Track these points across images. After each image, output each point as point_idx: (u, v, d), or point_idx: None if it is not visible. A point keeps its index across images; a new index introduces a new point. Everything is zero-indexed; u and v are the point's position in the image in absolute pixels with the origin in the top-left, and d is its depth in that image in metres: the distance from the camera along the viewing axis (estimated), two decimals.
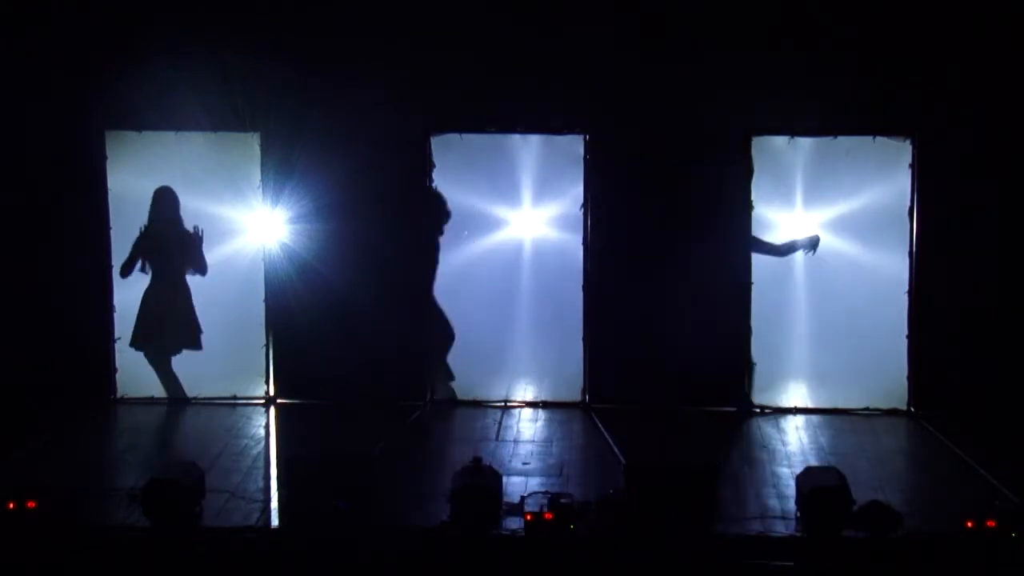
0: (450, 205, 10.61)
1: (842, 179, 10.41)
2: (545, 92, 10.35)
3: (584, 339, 10.65)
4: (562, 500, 7.43)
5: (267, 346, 10.76)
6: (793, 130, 10.41)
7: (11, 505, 7.31)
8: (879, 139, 10.36)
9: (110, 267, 10.68)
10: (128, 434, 10.07)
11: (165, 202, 10.64)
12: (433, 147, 10.58)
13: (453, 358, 10.76)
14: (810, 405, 10.60)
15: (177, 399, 10.71)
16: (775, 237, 10.51)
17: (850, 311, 10.49)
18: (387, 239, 10.55)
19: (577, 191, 10.59)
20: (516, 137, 10.61)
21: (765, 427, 10.14)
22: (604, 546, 7.30)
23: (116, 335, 10.75)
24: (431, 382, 10.67)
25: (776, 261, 10.51)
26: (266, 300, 10.72)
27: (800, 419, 10.37)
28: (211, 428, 9.96)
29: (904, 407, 10.47)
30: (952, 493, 8.27)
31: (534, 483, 8.38)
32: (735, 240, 10.44)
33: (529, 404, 10.75)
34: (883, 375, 10.49)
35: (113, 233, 10.65)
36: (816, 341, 10.59)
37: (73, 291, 10.59)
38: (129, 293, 10.72)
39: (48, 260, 10.63)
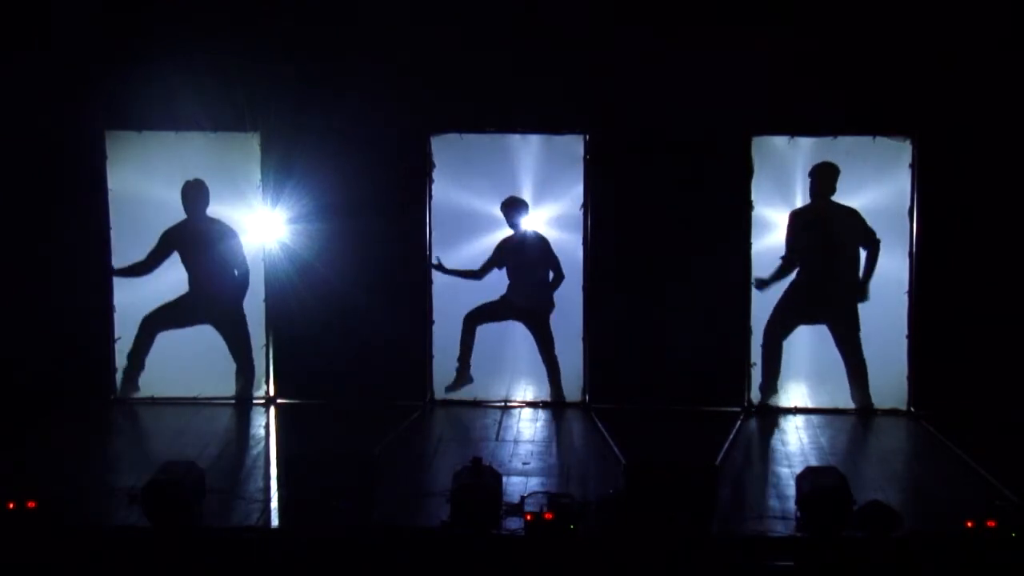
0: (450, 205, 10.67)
1: (842, 179, 10.41)
2: (545, 92, 10.35)
3: (584, 339, 10.65)
4: (562, 500, 7.43)
5: (267, 346, 10.77)
6: (793, 130, 10.42)
7: (11, 505, 7.30)
8: (879, 139, 10.37)
9: (111, 267, 10.68)
10: (128, 434, 10.08)
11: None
12: (433, 147, 10.59)
13: (454, 358, 10.77)
14: (810, 405, 10.61)
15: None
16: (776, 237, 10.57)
17: None
18: (387, 239, 10.56)
19: (577, 191, 10.59)
20: (516, 137, 10.62)
21: (765, 427, 10.14)
22: (604, 546, 7.29)
23: (116, 335, 10.76)
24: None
25: (775, 260, 10.55)
26: (266, 300, 10.73)
27: (800, 419, 10.37)
28: (211, 428, 9.96)
29: (904, 407, 10.47)
30: (952, 493, 8.27)
31: (534, 483, 8.39)
32: (735, 240, 10.44)
33: (529, 404, 10.76)
34: (883, 375, 10.49)
35: (113, 233, 10.66)
36: (816, 341, 10.59)
37: (73, 291, 10.58)
38: (129, 293, 10.73)
39: (48, 260, 10.62)
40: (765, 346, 10.51)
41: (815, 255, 10.43)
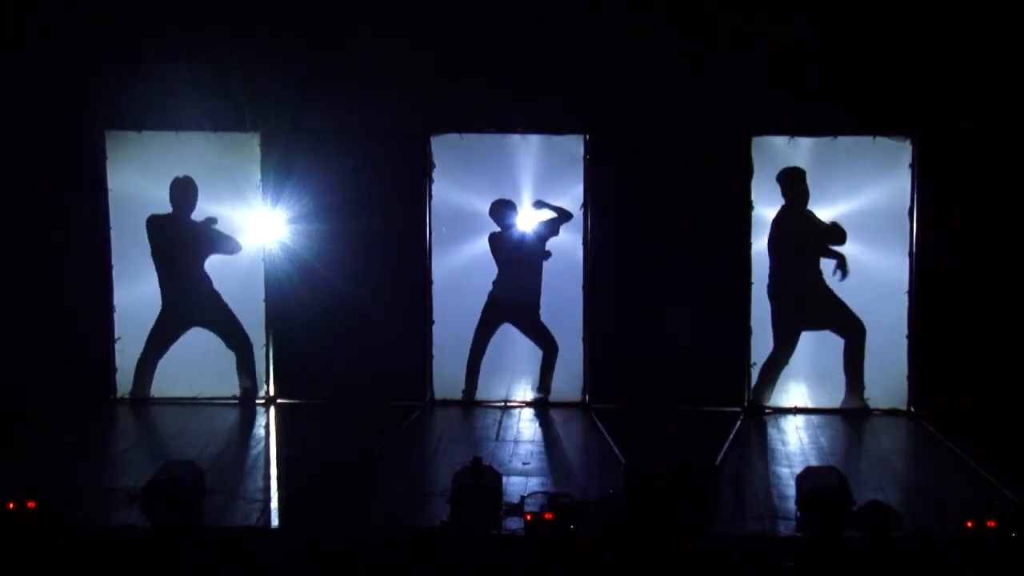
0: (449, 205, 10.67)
1: (842, 179, 10.42)
2: (545, 92, 10.35)
3: (584, 339, 10.65)
4: (562, 500, 7.42)
5: (267, 346, 10.77)
6: (793, 130, 10.42)
7: (11, 505, 7.30)
8: (879, 139, 10.37)
9: (111, 267, 10.68)
10: (128, 434, 10.09)
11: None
12: (433, 147, 10.59)
13: (454, 358, 10.76)
14: (810, 405, 10.61)
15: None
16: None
17: None
18: (387, 239, 10.56)
19: (577, 191, 10.59)
20: (516, 137, 10.62)
21: (765, 427, 10.14)
22: (604, 546, 7.29)
23: (116, 335, 10.76)
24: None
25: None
26: (266, 300, 10.73)
27: (800, 419, 10.37)
28: (211, 428, 9.96)
29: (904, 407, 10.47)
30: (952, 493, 8.27)
31: (534, 483, 8.39)
32: (735, 240, 10.44)
33: (529, 404, 10.76)
34: (883, 375, 10.49)
35: (113, 233, 10.66)
36: (816, 341, 10.59)
37: (73, 291, 10.58)
38: (129, 293, 10.73)
39: (48, 260, 10.63)
40: (767, 364, 10.51)
41: (789, 259, 10.42)
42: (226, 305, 10.71)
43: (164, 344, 10.72)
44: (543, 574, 7.27)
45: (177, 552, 7.29)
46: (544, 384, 10.72)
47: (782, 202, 10.48)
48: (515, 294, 10.68)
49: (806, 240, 10.39)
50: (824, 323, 10.48)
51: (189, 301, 10.69)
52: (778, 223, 10.42)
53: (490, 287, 10.73)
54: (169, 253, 10.66)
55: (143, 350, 10.74)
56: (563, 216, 10.58)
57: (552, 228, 10.62)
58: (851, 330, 10.42)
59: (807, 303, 10.45)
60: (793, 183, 10.38)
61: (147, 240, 10.63)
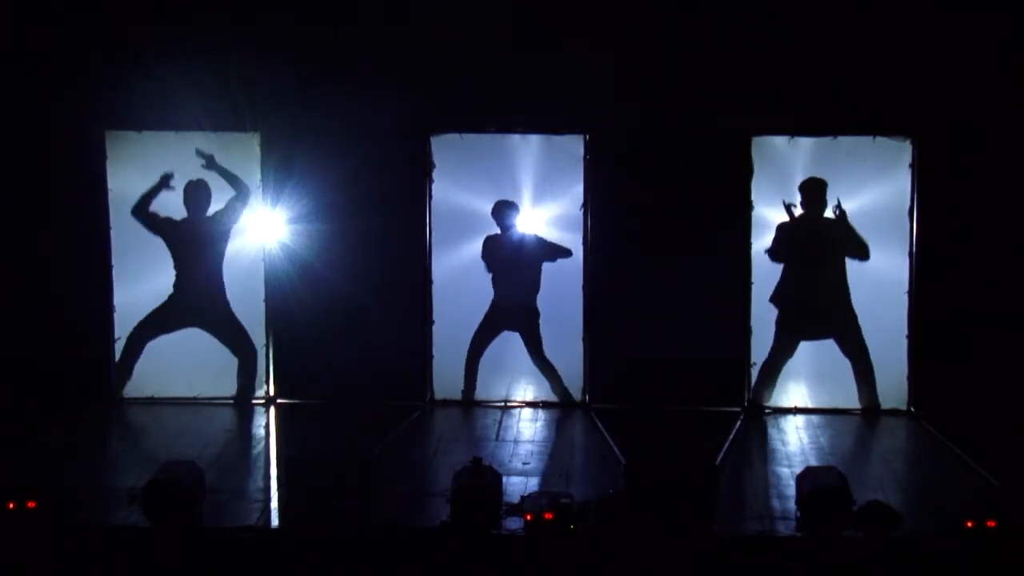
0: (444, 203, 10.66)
1: (842, 179, 10.41)
2: (545, 92, 10.35)
3: (584, 339, 10.65)
4: (562, 500, 7.42)
5: (267, 346, 10.77)
6: (793, 130, 10.42)
7: (11, 505, 7.29)
8: (879, 139, 10.37)
9: (111, 267, 10.68)
10: (128, 434, 10.08)
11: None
12: (433, 147, 10.59)
13: (454, 358, 10.76)
14: (810, 405, 10.61)
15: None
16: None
17: None
18: (387, 239, 10.56)
19: (577, 191, 10.59)
20: (516, 137, 10.62)
21: (765, 427, 10.14)
22: (604, 546, 7.29)
23: (116, 335, 10.76)
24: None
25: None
26: (266, 300, 10.73)
27: (800, 419, 10.37)
28: (211, 428, 9.96)
29: (904, 407, 10.48)
30: (952, 493, 8.28)
31: (534, 483, 8.39)
32: (735, 240, 10.44)
33: (529, 404, 10.76)
34: (883, 375, 10.49)
35: (113, 233, 10.66)
36: (815, 342, 10.58)
37: (73, 291, 10.58)
38: (129, 293, 10.73)
39: (48, 260, 10.63)
40: (766, 365, 10.50)
41: (801, 267, 10.41)
42: (233, 315, 10.70)
43: (159, 330, 10.69)
44: (543, 574, 7.27)
45: (177, 552, 7.29)
46: (561, 393, 10.70)
47: (780, 202, 10.44)
48: (515, 296, 10.68)
49: (818, 250, 10.34)
50: (829, 334, 10.45)
51: (195, 301, 10.67)
52: (785, 230, 10.39)
53: (491, 290, 10.72)
54: (185, 251, 10.65)
55: (136, 325, 10.67)
56: (562, 253, 10.58)
57: (550, 255, 10.62)
58: (854, 353, 10.38)
59: (811, 314, 10.41)
60: (812, 193, 10.34)
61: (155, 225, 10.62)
